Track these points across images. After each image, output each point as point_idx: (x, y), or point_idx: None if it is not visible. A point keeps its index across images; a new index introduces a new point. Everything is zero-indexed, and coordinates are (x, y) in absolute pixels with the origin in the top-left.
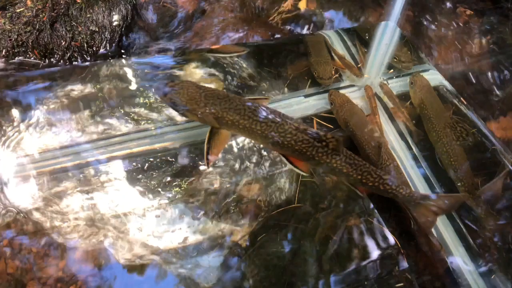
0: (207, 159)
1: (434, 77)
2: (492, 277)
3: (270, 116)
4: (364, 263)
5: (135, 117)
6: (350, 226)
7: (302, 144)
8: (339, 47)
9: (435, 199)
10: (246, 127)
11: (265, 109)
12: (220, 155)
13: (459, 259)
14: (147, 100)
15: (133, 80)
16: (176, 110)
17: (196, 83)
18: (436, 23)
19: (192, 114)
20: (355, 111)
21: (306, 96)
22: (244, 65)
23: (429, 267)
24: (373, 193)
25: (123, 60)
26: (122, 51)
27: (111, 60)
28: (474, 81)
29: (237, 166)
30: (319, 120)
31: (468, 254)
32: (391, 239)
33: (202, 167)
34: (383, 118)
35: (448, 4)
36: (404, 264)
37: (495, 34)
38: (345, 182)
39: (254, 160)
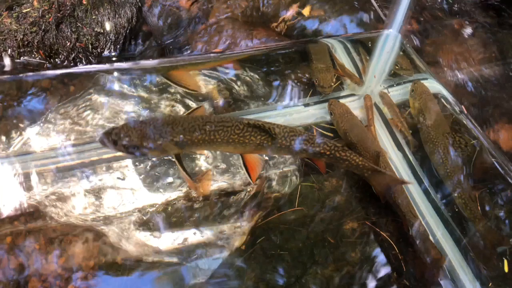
0: (194, 186)
1: (432, 85)
2: (490, 285)
3: (223, 123)
4: (360, 267)
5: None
6: (347, 229)
7: (262, 137)
8: (342, 55)
9: (382, 174)
10: (206, 140)
11: (213, 117)
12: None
13: (457, 267)
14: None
15: (134, 83)
16: (135, 154)
17: (138, 120)
18: (439, 32)
19: (152, 151)
20: (355, 122)
21: (306, 105)
22: (243, 73)
23: (427, 274)
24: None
25: (125, 64)
26: (126, 53)
27: (113, 64)
28: (477, 91)
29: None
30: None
31: (466, 262)
32: (389, 245)
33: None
34: (381, 129)
35: (451, 14)
36: (402, 270)
37: (498, 44)
38: (305, 159)
39: None
